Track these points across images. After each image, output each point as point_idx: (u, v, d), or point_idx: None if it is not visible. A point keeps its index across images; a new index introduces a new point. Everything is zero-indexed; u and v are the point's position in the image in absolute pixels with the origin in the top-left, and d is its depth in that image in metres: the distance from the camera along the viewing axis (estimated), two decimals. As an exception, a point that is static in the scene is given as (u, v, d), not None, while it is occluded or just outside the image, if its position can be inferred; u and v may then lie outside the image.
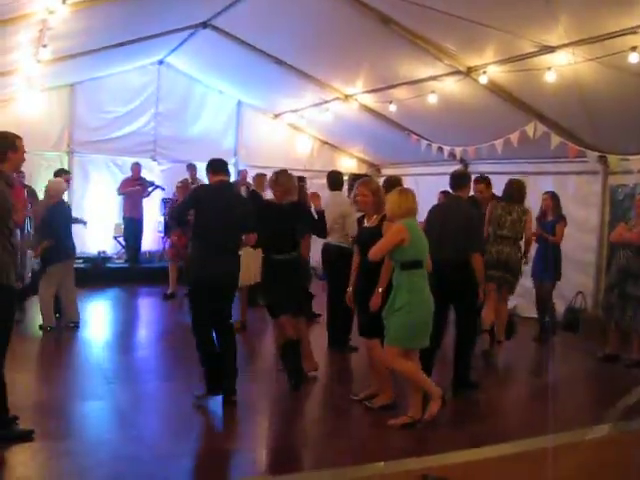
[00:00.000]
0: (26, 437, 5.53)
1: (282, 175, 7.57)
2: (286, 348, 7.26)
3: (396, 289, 6.20)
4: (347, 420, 6.71)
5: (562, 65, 8.06)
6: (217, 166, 7.09)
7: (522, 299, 10.82)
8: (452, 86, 9.93)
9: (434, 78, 10.07)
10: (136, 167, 14.20)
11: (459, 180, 7.76)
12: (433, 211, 7.91)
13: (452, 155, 12.05)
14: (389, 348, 6.27)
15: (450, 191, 7.97)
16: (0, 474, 5.17)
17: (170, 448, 5.78)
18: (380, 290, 6.50)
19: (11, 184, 5.64)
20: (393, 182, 7.76)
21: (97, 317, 11.42)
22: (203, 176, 14.05)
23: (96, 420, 6.46)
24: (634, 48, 7.06)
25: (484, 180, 8.95)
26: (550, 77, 8.20)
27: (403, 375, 6.40)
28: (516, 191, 8.84)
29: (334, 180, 9.53)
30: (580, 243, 10.64)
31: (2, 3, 7.20)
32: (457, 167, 12.55)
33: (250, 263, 9.07)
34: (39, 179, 12.33)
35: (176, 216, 7.29)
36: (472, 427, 6.62)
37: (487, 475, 4.52)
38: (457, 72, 9.60)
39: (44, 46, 9.35)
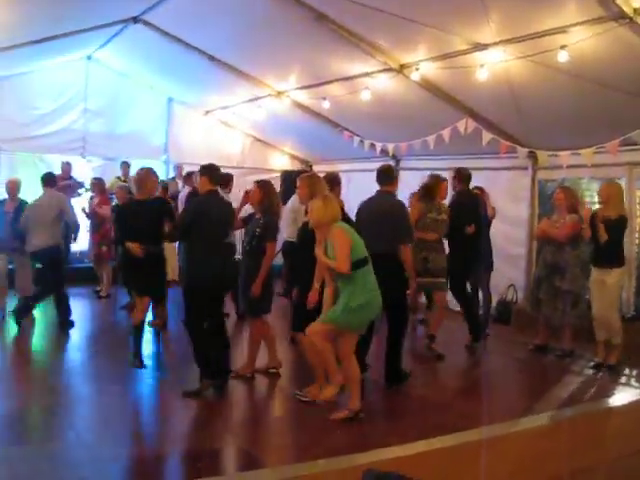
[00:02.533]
0: None
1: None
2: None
3: (350, 289, 6.24)
4: (290, 416, 6.73)
5: (494, 63, 8.20)
6: (216, 176, 7.59)
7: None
8: (385, 83, 9.98)
9: (367, 75, 10.11)
10: (66, 167, 13.76)
11: (385, 175, 7.87)
12: (361, 207, 7.99)
13: (384, 151, 12.11)
14: (324, 325, 6.31)
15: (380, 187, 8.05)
16: None
17: (108, 451, 5.70)
18: (317, 286, 6.64)
19: None
20: (331, 179, 7.84)
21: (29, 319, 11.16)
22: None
23: (33, 425, 6.33)
24: (563, 47, 7.21)
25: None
26: (482, 74, 8.32)
27: (320, 353, 6.45)
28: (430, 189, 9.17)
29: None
30: (510, 237, 10.87)
31: None
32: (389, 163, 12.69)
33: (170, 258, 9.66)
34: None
35: (182, 231, 7.37)
36: (410, 420, 6.73)
37: (428, 467, 4.58)
38: (390, 69, 9.66)
39: (-33, 40, 9.09)
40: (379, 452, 5.24)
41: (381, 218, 7.50)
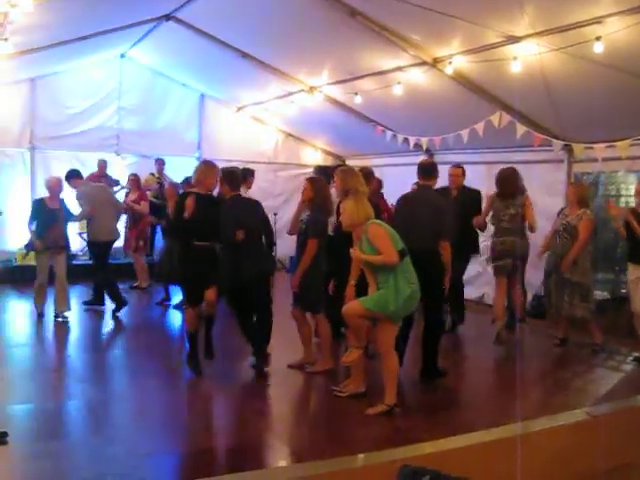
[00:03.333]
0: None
1: None
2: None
3: (392, 282, 6.19)
4: (325, 410, 6.72)
5: (527, 55, 8.12)
6: (237, 182, 8.07)
7: (489, 287, 10.96)
8: (418, 77, 9.94)
9: (400, 69, 10.07)
10: (102, 163, 13.96)
11: (427, 169, 7.81)
12: (401, 201, 7.95)
13: (418, 146, 12.07)
14: (364, 307, 6.28)
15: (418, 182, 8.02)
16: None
17: (147, 446, 5.75)
18: (353, 283, 6.62)
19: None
20: (366, 173, 7.85)
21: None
22: (169, 171, 14.23)
23: (70, 419, 6.40)
24: (598, 38, 7.11)
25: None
26: (516, 67, 8.24)
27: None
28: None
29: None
30: (546, 231, 10.74)
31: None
32: (423, 157, 12.63)
33: None
34: (0, 176, 12.16)
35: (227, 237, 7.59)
36: (446, 415, 6.69)
37: (463, 463, 4.55)
38: (423, 63, 9.61)
39: (5, 40, 9.19)
40: (415, 447, 5.23)
41: (422, 213, 7.43)
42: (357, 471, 4.39)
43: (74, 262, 13.77)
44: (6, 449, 5.40)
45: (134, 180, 12.91)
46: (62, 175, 10.73)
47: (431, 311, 7.59)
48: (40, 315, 10.15)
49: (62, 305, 10.05)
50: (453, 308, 9.94)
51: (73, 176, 10.87)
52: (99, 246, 10.74)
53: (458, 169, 9.90)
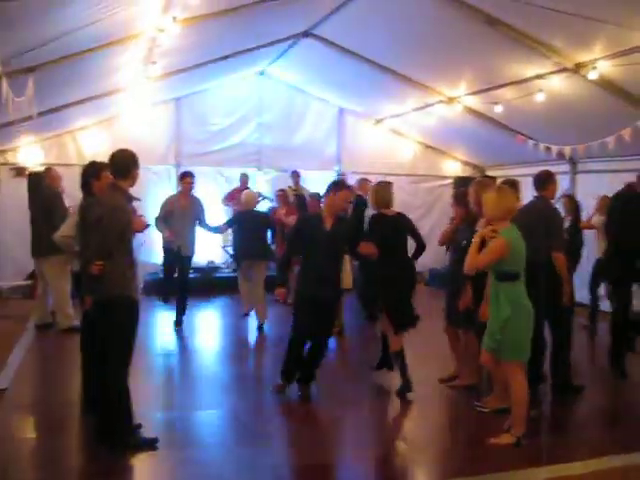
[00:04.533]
0: (150, 445, 5.69)
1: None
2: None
3: (498, 301, 5.93)
4: (467, 425, 6.62)
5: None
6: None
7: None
8: (560, 84, 9.67)
9: (540, 77, 9.82)
10: (244, 178, 14.44)
11: (541, 180, 7.58)
12: (518, 213, 7.76)
13: (560, 154, 11.75)
14: (514, 365, 5.96)
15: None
16: (127, 481, 5.35)
17: (296, 459, 5.92)
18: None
19: (130, 199, 5.82)
20: (511, 184, 7.72)
21: (208, 326, 11.66)
22: (306, 182, 14.42)
23: (217, 429, 6.56)
24: None
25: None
26: (665, 69, 7.92)
27: (514, 398, 6.01)
28: None
29: None
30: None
31: (113, 24, 7.46)
32: (565, 167, 12.31)
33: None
34: (148, 192, 12.65)
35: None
36: (589, 434, 6.47)
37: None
38: (565, 69, 9.34)
39: (153, 63, 9.62)
40: (558, 468, 5.11)
41: (535, 224, 7.22)
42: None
43: (217, 275, 14.23)
44: (156, 454, 5.63)
45: (282, 195, 13.12)
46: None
47: (556, 323, 7.45)
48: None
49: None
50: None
51: None
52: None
53: None
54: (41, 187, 10.38)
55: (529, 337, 5.97)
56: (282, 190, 13.34)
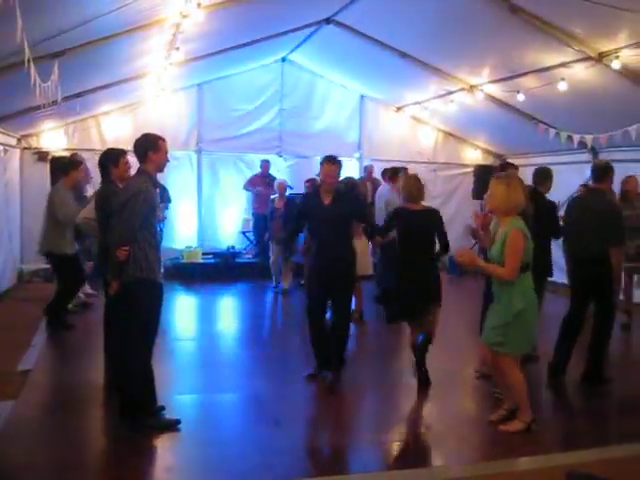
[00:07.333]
0: (173, 426, 5.79)
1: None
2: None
3: (507, 297, 5.81)
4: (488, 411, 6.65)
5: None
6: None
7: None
8: (582, 72, 9.63)
9: (563, 65, 9.79)
10: (266, 164, 14.55)
11: (601, 172, 7.49)
12: (572, 204, 7.75)
13: (582, 143, 11.70)
14: (509, 357, 5.91)
15: (588, 184, 7.79)
16: (150, 460, 5.43)
17: (313, 439, 6.01)
18: None
19: (156, 184, 5.89)
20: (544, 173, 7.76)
21: (227, 311, 11.76)
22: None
23: (237, 411, 6.67)
24: None
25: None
26: (689, 59, 7.88)
27: (513, 387, 6.01)
28: None
29: None
30: None
31: (138, 10, 7.51)
32: (586, 156, 12.25)
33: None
34: (169, 178, 12.75)
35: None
36: (613, 422, 6.50)
37: (634, 473, 4.41)
38: (588, 58, 9.30)
39: (177, 49, 9.68)
40: (580, 453, 5.13)
41: (589, 218, 7.21)
42: (522, 474, 4.35)
43: (237, 260, 14.30)
44: (178, 435, 5.73)
45: (311, 184, 13.01)
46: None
47: (600, 316, 7.40)
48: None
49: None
50: None
51: None
52: None
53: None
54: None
55: (535, 329, 5.99)
56: (312, 179, 13.26)
